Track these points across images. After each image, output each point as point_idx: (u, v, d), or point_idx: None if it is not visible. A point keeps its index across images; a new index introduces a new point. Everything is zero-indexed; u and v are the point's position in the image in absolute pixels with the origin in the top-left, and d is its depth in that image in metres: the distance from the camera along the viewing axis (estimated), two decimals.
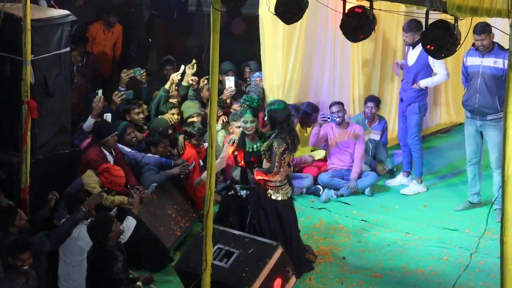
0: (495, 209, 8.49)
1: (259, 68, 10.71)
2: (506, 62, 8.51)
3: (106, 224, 6.82)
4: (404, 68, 10.00)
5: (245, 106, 7.87)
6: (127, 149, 8.90)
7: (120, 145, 8.88)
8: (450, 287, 7.33)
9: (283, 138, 7.69)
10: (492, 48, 8.87)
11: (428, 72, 9.78)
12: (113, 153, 8.62)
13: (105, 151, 8.50)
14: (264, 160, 7.83)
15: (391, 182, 10.33)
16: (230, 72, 10.71)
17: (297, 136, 8.04)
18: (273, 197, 7.82)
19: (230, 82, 10.29)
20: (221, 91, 10.09)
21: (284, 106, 7.89)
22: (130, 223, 7.55)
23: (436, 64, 9.59)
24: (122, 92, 9.57)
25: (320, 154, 10.40)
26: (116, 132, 8.70)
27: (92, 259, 6.83)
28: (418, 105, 9.87)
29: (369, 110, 10.38)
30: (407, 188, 10.07)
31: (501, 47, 8.84)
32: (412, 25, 9.30)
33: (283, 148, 7.66)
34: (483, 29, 8.68)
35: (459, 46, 5.08)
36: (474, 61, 9.03)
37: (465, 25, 5.09)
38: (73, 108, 9.10)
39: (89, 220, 7.29)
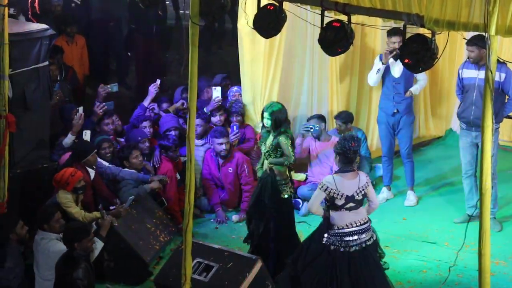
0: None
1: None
2: (503, 75, 8.61)
3: (78, 234, 6.85)
4: (388, 81, 10.01)
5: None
6: (105, 163, 8.88)
7: (98, 159, 8.87)
8: None
9: (287, 133, 7.84)
10: None
11: (412, 79, 9.99)
12: (94, 168, 8.61)
13: (88, 168, 8.50)
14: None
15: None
16: (209, 88, 10.72)
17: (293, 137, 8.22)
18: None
19: (217, 92, 10.27)
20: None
21: (282, 105, 8.02)
22: (96, 245, 7.50)
23: None
24: (104, 104, 9.57)
25: (300, 177, 10.41)
26: (96, 150, 8.68)
27: (59, 266, 6.83)
28: (413, 115, 10.14)
29: (337, 127, 10.40)
30: (408, 200, 10.16)
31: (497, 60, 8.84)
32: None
33: (290, 141, 7.82)
34: (471, 42, 8.53)
35: (436, 60, 5.11)
36: (470, 73, 9.00)
37: (443, 39, 5.12)
38: (52, 123, 9.05)
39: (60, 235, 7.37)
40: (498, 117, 8.92)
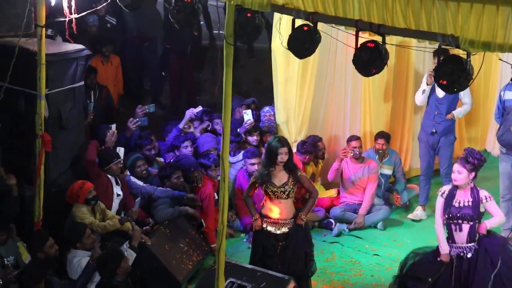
0: None
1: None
2: None
3: (115, 260, 6.82)
4: (432, 101, 9.99)
5: None
6: (140, 183, 8.95)
7: (133, 178, 8.94)
8: None
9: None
10: None
11: (456, 101, 9.97)
12: (119, 182, 8.68)
13: (111, 178, 8.57)
14: (289, 198, 7.69)
15: (411, 216, 10.32)
16: (243, 106, 10.80)
17: None
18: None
19: (248, 115, 10.35)
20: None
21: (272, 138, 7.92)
22: (129, 257, 7.54)
23: (463, 94, 9.64)
24: (137, 119, 9.67)
25: (331, 193, 10.41)
26: (120, 160, 8.74)
27: None
28: (453, 135, 10.10)
29: (379, 146, 10.38)
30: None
31: None
32: None
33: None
34: None
35: (471, 81, 5.09)
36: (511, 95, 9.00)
37: (478, 60, 5.10)
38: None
39: (91, 253, 7.41)
40: None
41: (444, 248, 7.36)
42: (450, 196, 7.28)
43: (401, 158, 10.83)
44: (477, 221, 7.19)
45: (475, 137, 12.21)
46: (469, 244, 7.23)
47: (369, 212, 10.03)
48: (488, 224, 7.28)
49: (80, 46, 8.64)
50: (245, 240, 9.64)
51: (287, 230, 7.65)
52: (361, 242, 9.64)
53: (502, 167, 9.18)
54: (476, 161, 7.10)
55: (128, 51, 12.37)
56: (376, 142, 10.43)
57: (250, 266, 7.40)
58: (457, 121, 11.51)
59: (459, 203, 7.21)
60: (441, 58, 5.26)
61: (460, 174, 7.18)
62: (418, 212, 10.28)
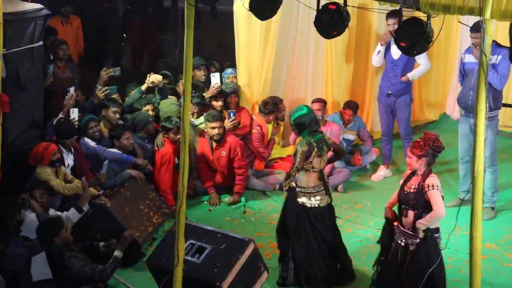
0: (485, 207, 8.60)
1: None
2: (499, 57, 8.58)
3: (54, 228, 6.77)
4: (388, 62, 10.09)
5: None
6: (92, 143, 8.92)
7: (86, 139, 8.89)
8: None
9: (306, 140, 7.38)
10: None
11: (412, 63, 10.03)
12: (72, 151, 8.63)
13: (62, 149, 8.49)
14: (301, 171, 7.53)
15: (375, 178, 10.45)
16: (202, 66, 10.69)
17: (325, 141, 7.56)
18: (307, 205, 7.57)
19: (215, 78, 10.18)
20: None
21: (307, 110, 7.49)
22: (71, 216, 7.59)
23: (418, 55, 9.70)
24: (106, 88, 9.56)
25: (290, 150, 10.43)
26: (76, 137, 8.67)
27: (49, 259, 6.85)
28: (410, 96, 10.17)
29: (347, 116, 10.43)
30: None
31: (498, 45, 8.66)
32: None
33: (305, 149, 7.34)
34: (480, 28, 8.37)
35: (431, 43, 5.11)
36: (471, 58, 8.99)
37: (438, 23, 5.11)
38: (45, 103, 9.00)
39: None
40: (496, 102, 8.88)
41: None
42: (406, 179, 6.92)
43: (364, 122, 10.87)
44: (421, 210, 6.75)
45: (435, 101, 12.33)
46: (414, 233, 6.83)
47: (330, 174, 10.07)
48: (422, 222, 6.73)
49: (39, 6, 8.52)
50: (205, 202, 9.67)
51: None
52: None
53: (461, 129, 9.27)
54: (427, 148, 6.70)
55: (88, 12, 12.20)
56: (344, 111, 10.47)
57: (210, 228, 7.40)
58: (416, 84, 11.62)
59: (409, 188, 6.82)
60: (402, 21, 5.27)
61: (410, 158, 6.79)
62: (382, 172, 10.42)
